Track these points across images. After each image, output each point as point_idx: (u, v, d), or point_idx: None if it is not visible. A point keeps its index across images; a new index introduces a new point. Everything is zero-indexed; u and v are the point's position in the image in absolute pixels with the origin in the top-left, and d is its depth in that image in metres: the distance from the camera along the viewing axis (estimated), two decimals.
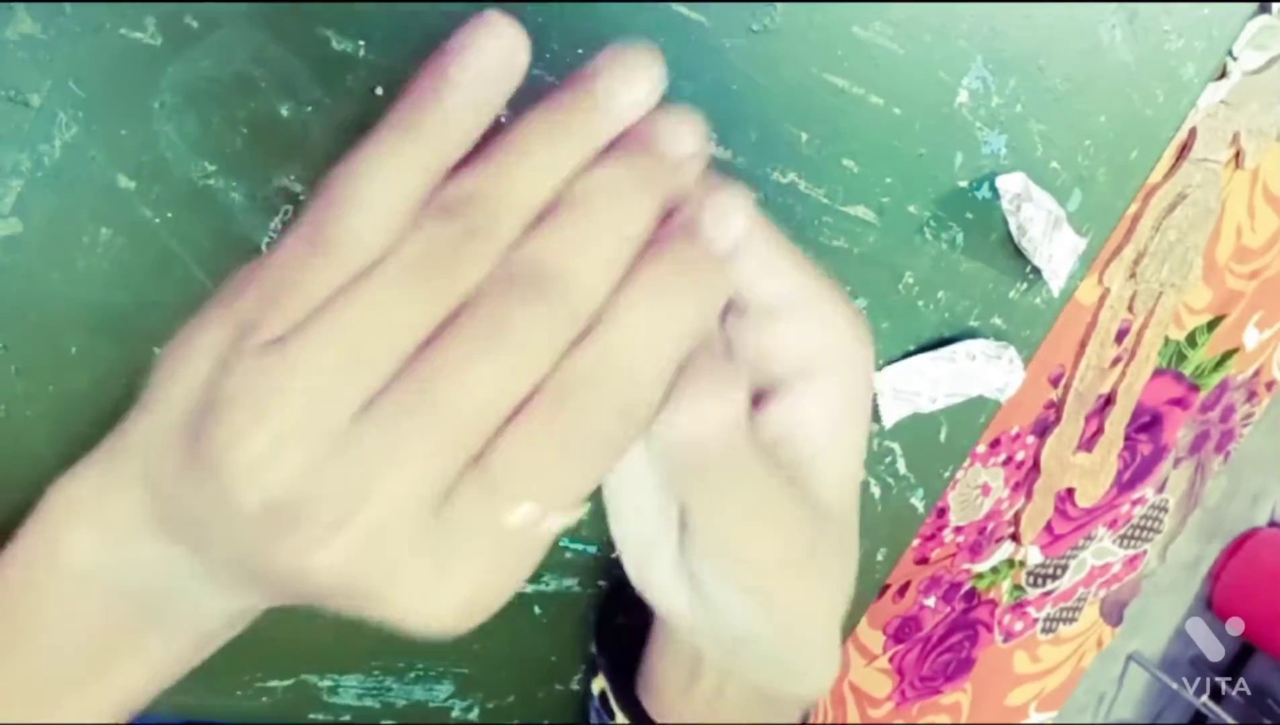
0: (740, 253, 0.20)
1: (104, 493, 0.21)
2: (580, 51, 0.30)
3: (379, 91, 0.28)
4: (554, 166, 0.18)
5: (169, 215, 0.27)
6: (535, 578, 0.38)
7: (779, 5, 0.32)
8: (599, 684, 0.35)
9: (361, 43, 0.27)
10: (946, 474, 0.45)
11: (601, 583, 0.39)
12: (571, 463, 0.18)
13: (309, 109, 0.27)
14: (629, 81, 0.19)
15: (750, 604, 0.23)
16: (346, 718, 0.38)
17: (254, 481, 0.17)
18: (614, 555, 0.39)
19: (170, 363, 0.19)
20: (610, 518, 0.26)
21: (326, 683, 0.37)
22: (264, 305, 0.18)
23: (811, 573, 0.23)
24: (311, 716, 0.38)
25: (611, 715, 0.34)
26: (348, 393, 0.17)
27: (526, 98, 0.19)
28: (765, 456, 0.22)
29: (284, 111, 0.27)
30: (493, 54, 0.18)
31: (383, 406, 0.17)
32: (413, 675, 0.39)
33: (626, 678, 0.33)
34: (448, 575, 0.18)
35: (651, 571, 0.25)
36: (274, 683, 0.36)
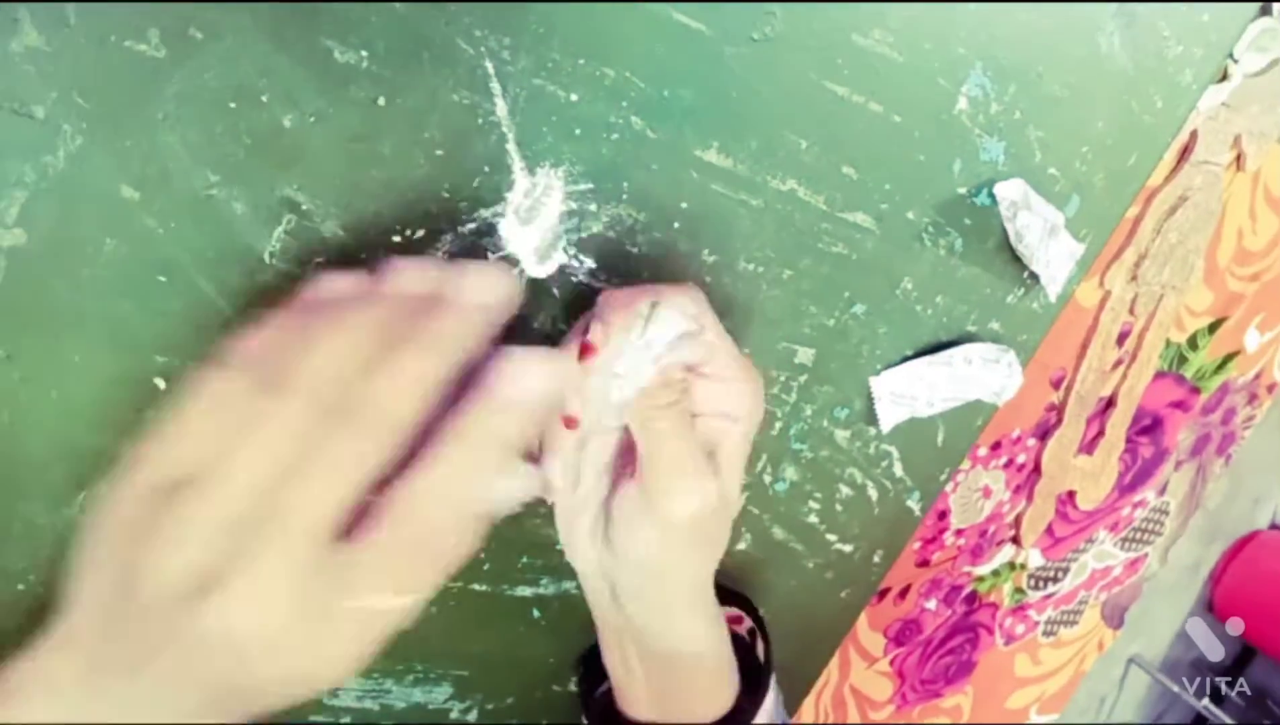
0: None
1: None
2: (581, 61, 0.30)
3: (380, 102, 0.28)
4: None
5: (172, 225, 0.27)
6: (534, 581, 0.39)
7: (779, 14, 0.32)
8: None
9: (364, 54, 0.27)
10: (943, 477, 0.45)
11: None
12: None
13: (312, 119, 0.28)
14: None
15: (655, 535, 0.30)
16: (346, 720, 0.38)
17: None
18: None
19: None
20: (555, 496, 0.33)
21: None
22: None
23: (709, 523, 0.30)
24: (312, 719, 0.38)
25: None
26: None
27: None
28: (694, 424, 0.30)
29: (287, 122, 0.27)
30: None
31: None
32: (412, 678, 0.39)
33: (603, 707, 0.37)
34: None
35: (575, 533, 0.33)
36: None
